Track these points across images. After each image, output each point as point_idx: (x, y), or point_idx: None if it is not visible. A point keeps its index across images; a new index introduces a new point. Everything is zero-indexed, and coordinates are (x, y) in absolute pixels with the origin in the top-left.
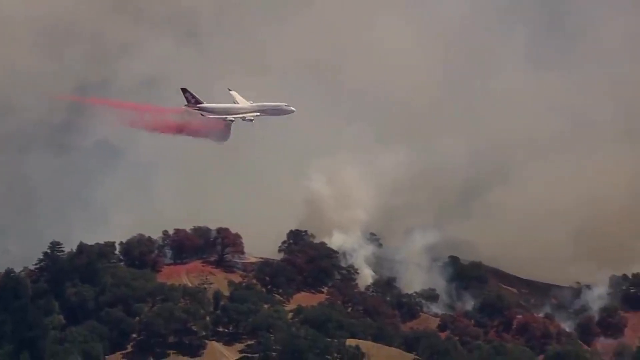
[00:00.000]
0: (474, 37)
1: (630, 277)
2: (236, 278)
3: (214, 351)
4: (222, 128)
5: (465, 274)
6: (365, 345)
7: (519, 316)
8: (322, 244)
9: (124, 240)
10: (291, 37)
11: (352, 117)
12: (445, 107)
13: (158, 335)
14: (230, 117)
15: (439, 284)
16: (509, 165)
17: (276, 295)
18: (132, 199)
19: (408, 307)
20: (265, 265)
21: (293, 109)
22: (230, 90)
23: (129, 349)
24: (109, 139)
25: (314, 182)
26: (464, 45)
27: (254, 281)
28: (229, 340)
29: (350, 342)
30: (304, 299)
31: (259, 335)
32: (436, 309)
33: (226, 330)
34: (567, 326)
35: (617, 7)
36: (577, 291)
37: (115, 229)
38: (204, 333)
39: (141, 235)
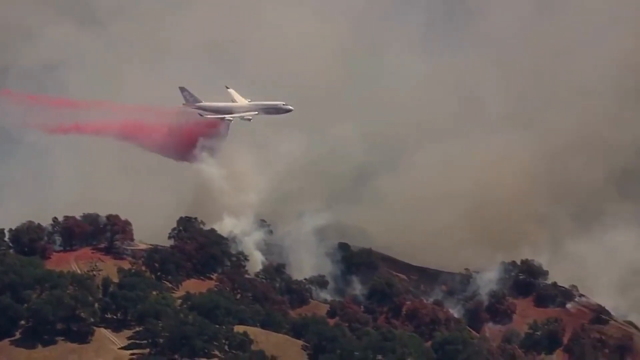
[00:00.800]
0: (370, 25)
1: (520, 263)
2: (125, 265)
3: (102, 338)
4: (219, 127)
5: (355, 260)
6: (253, 331)
7: (408, 302)
8: (212, 230)
9: (13, 227)
10: (192, 21)
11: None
12: (339, 94)
13: (46, 322)
14: (229, 117)
15: (329, 270)
16: (401, 152)
17: (165, 282)
18: (21, 186)
19: (297, 293)
20: (154, 252)
21: (291, 107)
22: (228, 88)
23: (17, 335)
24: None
25: (206, 165)
26: (359, 32)
27: (143, 268)
28: (117, 327)
29: (239, 328)
30: (193, 286)
31: (147, 322)
32: (325, 295)
33: (114, 317)
34: (456, 312)
35: None
36: (467, 277)
37: (4, 215)
38: (92, 320)
39: (30, 222)
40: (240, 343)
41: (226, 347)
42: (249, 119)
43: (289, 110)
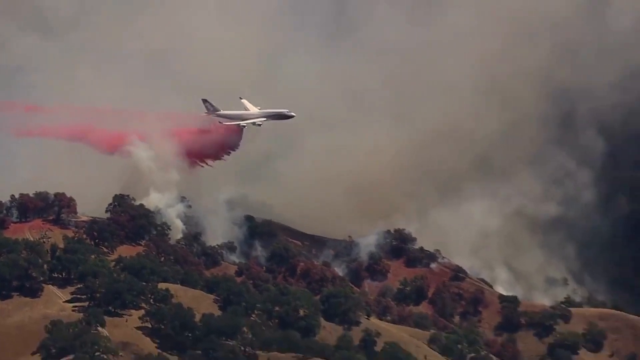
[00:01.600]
0: (278, 30)
1: (393, 231)
2: (70, 234)
3: (50, 293)
4: (235, 133)
5: (258, 229)
6: (174, 288)
7: (302, 264)
8: (141, 205)
9: None
10: (137, 30)
11: (177, 96)
12: (250, 90)
13: (4, 280)
14: (242, 123)
15: (237, 237)
16: (296, 139)
17: (102, 247)
18: None
19: (211, 256)
20: (94, 223)
21: (293, 114)
22: (241, 98)
23: None
24: None
25: (136, 149)
26: (270, 36)
27: (85, 236)
28: (62, 284)
29: (162, 285)
30: (125, 251)
31: (87, 280)
32: (234, 258)
33: (60, 276)
34: (340, 271)
35: (393, 9)
36: (350, 243)
37: None
38: (42, 278)
39: None
40: (162, 297)
41: (151, 301)
42: (259, 125)
43: (291, 117)
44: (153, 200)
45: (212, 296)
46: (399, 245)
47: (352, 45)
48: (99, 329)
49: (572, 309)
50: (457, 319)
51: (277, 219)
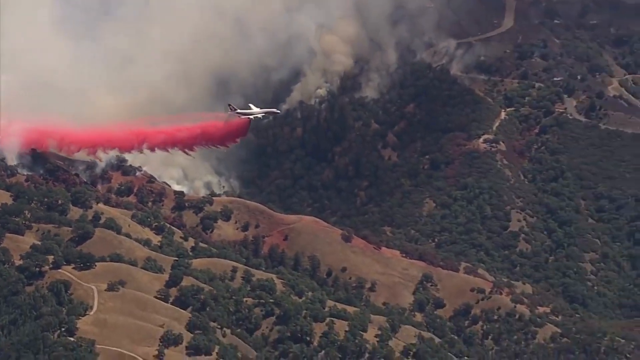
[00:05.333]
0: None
1: (116, 156)
2: None
3: None
4: (245, 124)
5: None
6: None
7: (64, 177)
8: None
9: None
10: None
11: None
12: None
13: None
14: (251, 117)
15: None
16: None
17: None
18: None
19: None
20: None
21: (279, 111)
22: (249, 104)
23: None
24: None
25: None
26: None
27: None
28: None
29: None
30: None
31: None
32: None
33: None
34: (87, 179)
35: None
36: (93, 163)
37: None
38: None
39: None
40: None
41: None
42: (260, 118)
43: (279, 113)
44: None
45: None
46: (120, 164)
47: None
48: None
49: (215, 198)
50: (150, 204)
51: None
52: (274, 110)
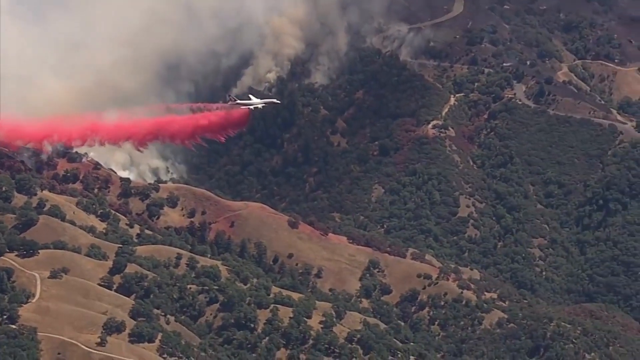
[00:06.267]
0: None
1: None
2: None
3: None
4: (246, 114)
5: None
6: None
7: (8, 163)
8: None
9: None
10: None
11: None
12: None
13: None
14: (252, 107)
15: None
16: None
17: None
18: None
19: None
20: None
21: (279, 101)
22: (250, 94)
23: None
24: None
25: None
26: None
27: None
28: None
29: None
30: None
31: None
32: None
33: None
34: (31, 166)
35: None
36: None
37: None
38: None
39: None
40: None
41: None
42: (260, 108)
43: (278, 103)
44: None
45: None
46: (66, 150)
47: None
48: None
49: (161, 184)
50: (96, 191)
51: None
52: (274, 100)
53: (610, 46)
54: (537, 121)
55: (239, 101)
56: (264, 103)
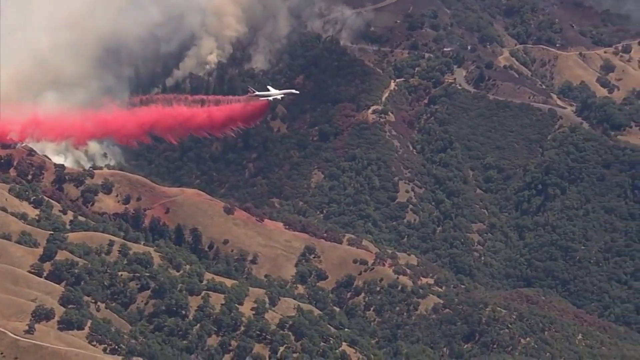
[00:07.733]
0: None
1: None
2: None
3: None
4: (265, 105)
5: None
6: None
7: None
8: None
9: None
10: None
11: None
12: None
13: None
14: (271, 98)
15: None
16: None
17: None
18: None
19: None
20: None
21: (297, 92)
22: (267, 86)
23: None
24: None
25: None
26: None
27: None
28: None
29: None
30: None
31: None
32: None
33: None
34: None
35: None
36: None
37: None
38: None
39: None
40: None
41: None
42: (279, 99)
43: (297, 94)
44: None
45: None
46: None
47: None
48: None
49: (96, 170)
50: (30, 178)
51: None
52: (293, 90)
53: (551, 31)
54: (477, 106)
55: (257, 93)
56: (283, 94)
